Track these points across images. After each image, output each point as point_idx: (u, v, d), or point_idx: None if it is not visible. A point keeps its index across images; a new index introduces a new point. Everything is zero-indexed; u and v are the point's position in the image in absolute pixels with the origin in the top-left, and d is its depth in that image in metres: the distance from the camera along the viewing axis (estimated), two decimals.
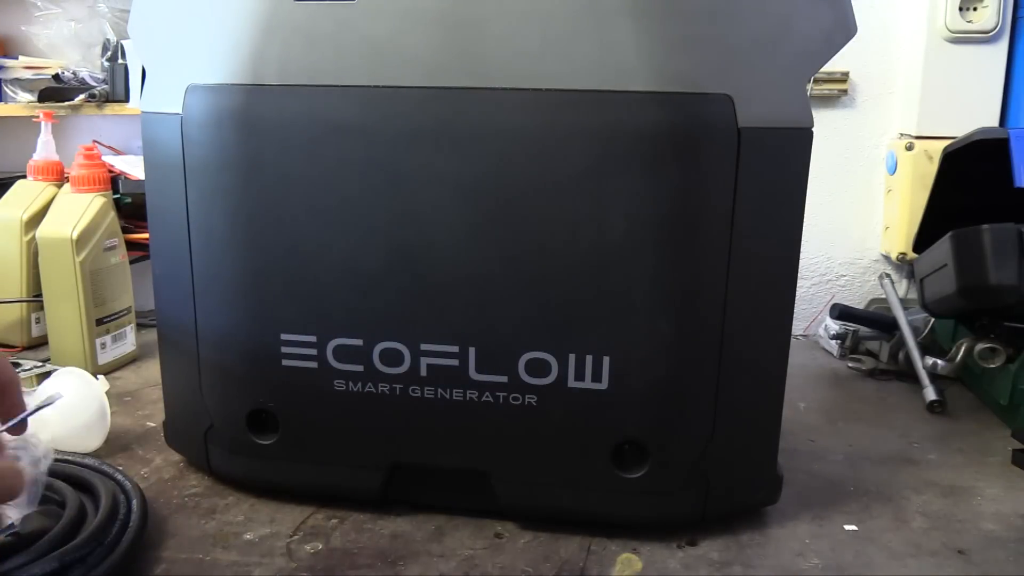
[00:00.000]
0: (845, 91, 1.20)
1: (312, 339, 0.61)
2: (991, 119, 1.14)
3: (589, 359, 0.57)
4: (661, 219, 0.55)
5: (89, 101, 1.27)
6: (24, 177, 1.06)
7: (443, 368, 0.59)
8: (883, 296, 1.13)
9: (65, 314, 0.93)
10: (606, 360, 0.57)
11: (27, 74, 1.32)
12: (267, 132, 0.58)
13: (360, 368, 0.60)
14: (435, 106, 0.55)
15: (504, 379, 0.59)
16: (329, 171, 0.57)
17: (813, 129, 0.55)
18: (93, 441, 0.73)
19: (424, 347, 0.59)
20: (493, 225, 0.56)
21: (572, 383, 0.58)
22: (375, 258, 0.58)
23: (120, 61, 1.30)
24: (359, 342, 0.60)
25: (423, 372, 0.60)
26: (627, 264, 0.56)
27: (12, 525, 0.51)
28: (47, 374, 0.81)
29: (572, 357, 0.58)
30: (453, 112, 0.55)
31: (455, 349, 0.59)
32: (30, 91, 1.32)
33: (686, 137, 0.54)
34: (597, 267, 0.56)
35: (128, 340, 1.00)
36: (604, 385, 0.58)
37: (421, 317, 0.59)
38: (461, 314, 0.58)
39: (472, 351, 0.59)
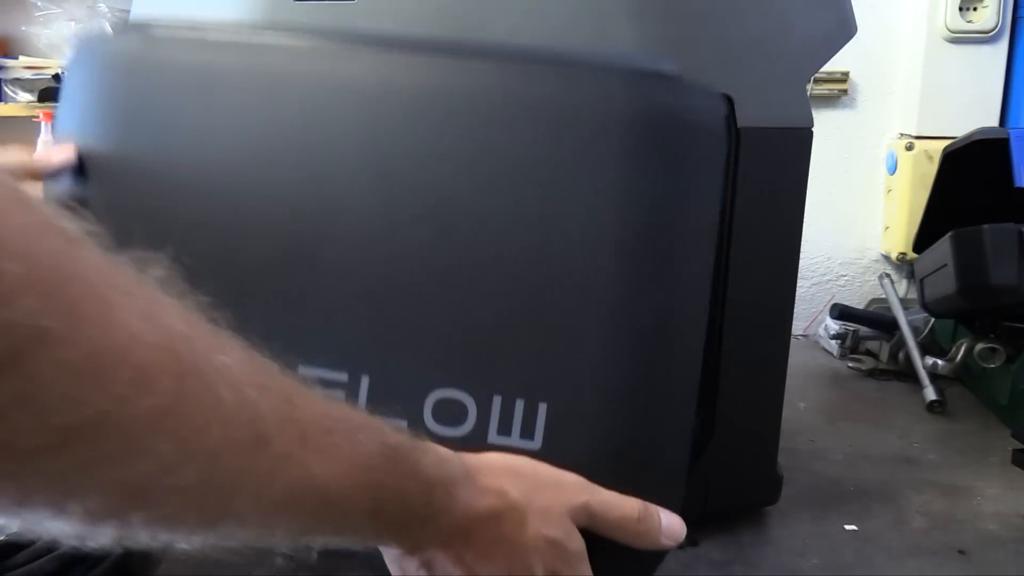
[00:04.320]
0: (845, 91, 1.20)
1: None
2: (991, 119, 1.14)
3: (520, 406, 0.43)
4: (635, 227, 0.44)
5: None
6: None
7: None
8: (883, 296, 1.13)
9: None
10: (541, 409, 0.43)
11: (27, 74, 1.33)
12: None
13: None
14: (367, 63, 0.45)
15: (403, 423, 0.42)
16: (218, 130, 0.46)
17: (813, 129, 0.55)
18: None
19: (303, 371, 0.44)
20: (412, 217, 0.44)
21: (494, 438, 0.43)
22: (255, 246, 0.45)
23: None
24: None
25: None
26: (583, 282, 0.43)
27: None
28: None
29: (497, 401, 0.43)
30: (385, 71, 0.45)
31: (343, 377, 0.44)
32: (30, 91, 1.33)
33: (676, 127, 0.45)
34: (543, 282, 0.43)
35: None
36: (536, 444, 0.43)
37: (303, 329, 0.45)
38: (355, 330, 0.45)
39: (365, 381, 0.44)
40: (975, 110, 1.13)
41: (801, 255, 0.58)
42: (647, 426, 0.45)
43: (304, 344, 0.45)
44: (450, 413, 0.43)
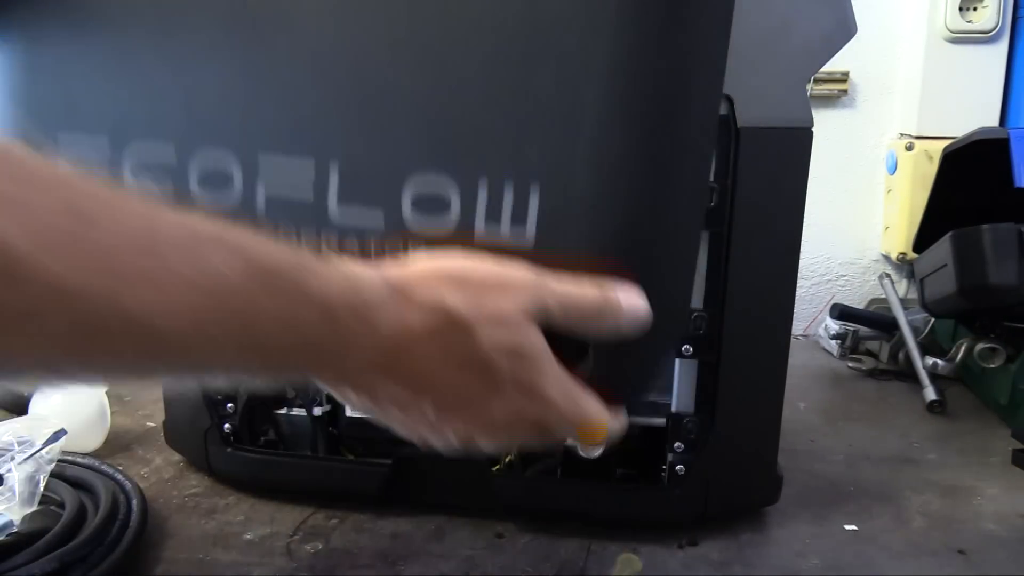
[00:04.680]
0: (845, 91, 1.20)
1: (103, 140, 0.40)
2: (991, 119, 1.14)
3: (508, 190, 0.37)
4: None
5: None
6: None
7: (290, 198, 0.39)
8: (883, 296, 1.13)
9: None
10: (533, 192, 0.37)
11: None
12: None
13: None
14: None
15: (379, 214, 0.39)
16: None
17: (813, 129, 0.55)
18: (93, 441, 0.73)
19: (263, 160, 0.39)
20: None
21: (482, 227, 0.38)
22: (205, 13, 0.39)
23: None
24: (169, 149, 0.40)
25: (260, 202, 0.40)
26: (578, 41, 0.36)
27: (12, 524, 0.52)
28: None
29: (483, 186, 0.37)
30: None
31: (309, 164, 0.39)
32: None
33: None
34: (531, 43, 0.36)
35: None
36: (529, 232, 0.37)
37: (258, 109, 0.39)
38: (317, 111, 0.39)
39: (334, 168, 0.39)
40: (975, 110, 1.13)
41: (801, 255, 0.57)
42: (652, 207, 0.38)
43: (261, 127, 0.39)
44: (432, 202, 0.38)
